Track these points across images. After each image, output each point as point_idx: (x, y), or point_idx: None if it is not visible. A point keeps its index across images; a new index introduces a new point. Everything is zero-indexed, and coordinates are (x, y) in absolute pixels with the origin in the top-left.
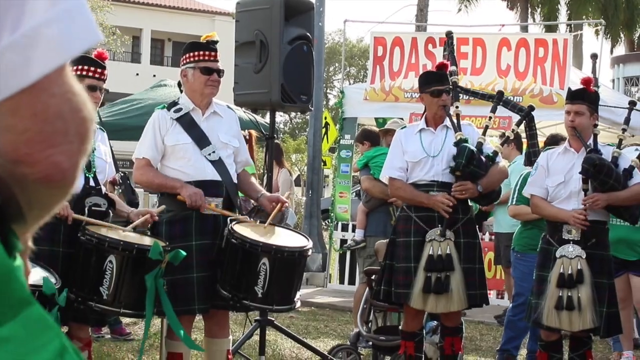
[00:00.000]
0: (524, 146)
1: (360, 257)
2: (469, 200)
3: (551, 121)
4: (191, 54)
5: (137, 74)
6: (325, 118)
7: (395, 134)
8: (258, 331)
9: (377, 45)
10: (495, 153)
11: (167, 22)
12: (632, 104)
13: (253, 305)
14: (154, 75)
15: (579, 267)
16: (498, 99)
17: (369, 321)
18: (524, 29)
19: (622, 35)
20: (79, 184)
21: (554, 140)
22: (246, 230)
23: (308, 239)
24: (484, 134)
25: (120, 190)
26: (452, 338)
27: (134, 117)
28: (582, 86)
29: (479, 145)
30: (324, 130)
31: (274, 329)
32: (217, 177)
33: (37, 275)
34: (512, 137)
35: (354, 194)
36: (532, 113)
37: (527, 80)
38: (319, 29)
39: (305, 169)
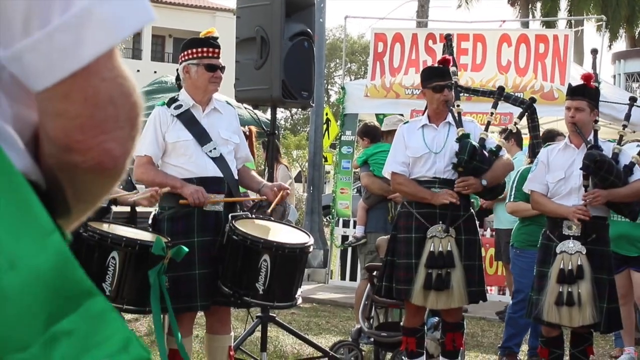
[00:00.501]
0: (525, 142)
1: (362, 253)
2: (470, 196)
3: (552, 117)
4: (194, 50)
5: (138, 71)
6: (326, 114)
7: (398, 129)
8: (259, 327)
9: (378, 41)
10: (499, 147)
11: (168, 18)
12: (633, 100)
13: (254, 301)
14: (155, 72)
15: (579, 263)
16: (499, 94)
17: (370, 317)
18: (525, 25)
19: (623, 31)
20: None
21: (549, 136)
22: (247, 226)
23: (309, 236)
24: (486, 129)
25: (120, 187)
26: (453, 334)
27: None
28: (582, 82)
29: (482, 140)
30: (325, 126)
31: (275, 325)
32: (219, 174)
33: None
34: (514, 131)
35: (355, 190)
36: (534, 105)
37: (528, 76)
38: (319, 25)
39: (306, 165)
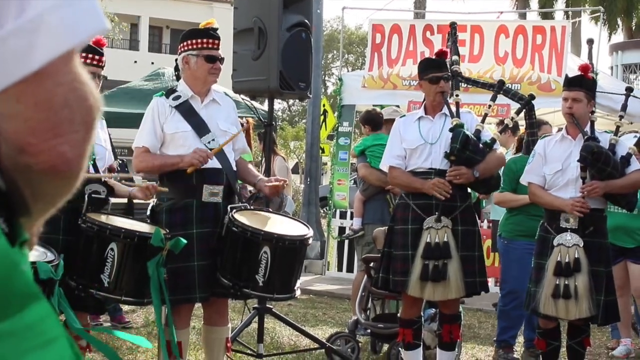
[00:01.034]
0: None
1: (359, 244)
2: (467, 188)
3: (549, 108)
4: (194, 41)
5: (135, 62)
6: (324, 105)
7: (395, 122)
8: (256, 319)
9: (376, 32)
10: (493, 140)
11: (166, 9)
12: (629, 90)
13: (254, 293)
14: (152, 63)
15: (576, 256)
16: (499, 87)
17: (367, 309)
18: (522, 16)
19: (620, 22)
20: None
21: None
22: (247, 218)
23: (308, 227)
24: (482, 121)
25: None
26: (450, 325)
27: (130, 105)
28: (579, 73)
29: (477, 132)
30: (322, 117)
31: (272, 316)
32: (217, 165)
33: (33, 255)
34: (510, 125)
35: (352, 181)
36: (532, 102)
37: (525, 67)
38: (317, 16)
39: (303, 157)
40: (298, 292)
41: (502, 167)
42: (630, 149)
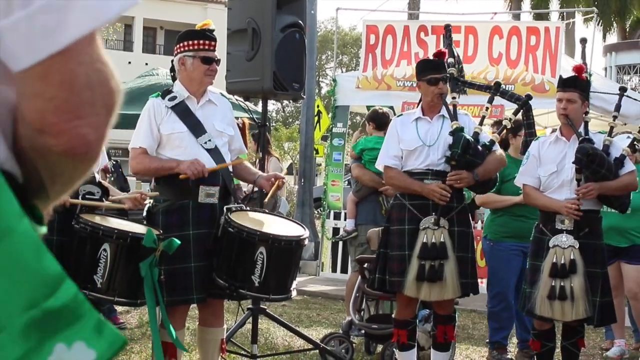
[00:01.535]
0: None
1: (352, 245)
2: (463, 189)
3: (543, 109)
4: (190, 42)
5: (129, 62)
6: (318, 106)
7: (391, 122)
8: (250, 320)
9: (370, 33)
10: (492, 142)
11: (160, 10)
12: (623, 90)
13: (250, 294)
14: (146, 64)
15: (572, 257)
16: (495, 89)
17: (361, 310)
18: (516, 17)
19: (614, 23)
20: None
21: (518, 125)
22: (243, 219)
23: (304, 228)
24: (480, 123)
25: (112, 179)
26: (444, 326)
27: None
28: (573, 74)
29: (476, 135)
30: (316, 118)
31: (266, 317)
32: (214, 165)
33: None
34: (509, 127)
35: (346, 182)
36: (529, 103)
37: (519, 68)
38: (311, 17)
39: (297, 158)
40: (294, 293)
41: (503, 167)
42: (623, 151)
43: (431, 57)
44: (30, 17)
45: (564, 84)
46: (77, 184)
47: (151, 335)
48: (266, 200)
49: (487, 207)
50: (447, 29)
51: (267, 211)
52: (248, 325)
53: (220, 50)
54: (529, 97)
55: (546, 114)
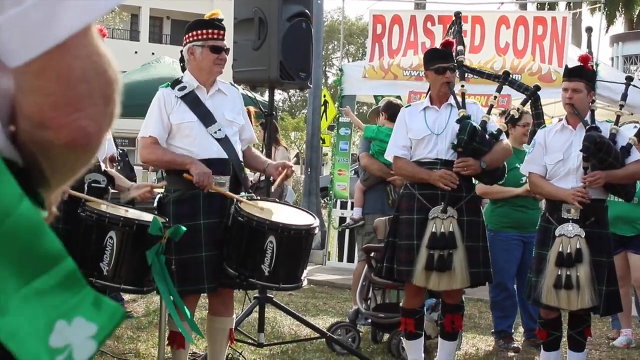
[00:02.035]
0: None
1: (359, 234)
2: (472, 179)
3: (550, 99)
4: (199, 32)
5: (136, 52)
6: (324, 96)
7: (400, 112)
8: (257, 308)
9: (376, 23)
10: (500, 131)
11: (166, 0)
12: (629, 79)
13: (260, 283)
14: (153, 53)
15: (578, 246)
16: (504, 79)
17: (368, 298)
18: (523, 7)
19: (620, 14)
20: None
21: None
22: (253, 208)
23: (314, 217)
24: (488, 112)
25: (118, 167)
26: (452, 315)
27: (129, 94)
28: (579, 63)
29: (483, 123)
30: (322, 108)
31: (273, 306)
32: (224, 155)
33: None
34: (516, 117)
35: (353, 171)
36: (537, 93)
37: (526, 58)
38: (317, 7)
39: (304, 147)
40: (305, 282)
41: (509, 157)
42: (630, 139)
43: (439, 47)
44: (24, 13)
45: (570, 74)
46: (79, 173)
47: (157, 323)
48: (273, 188)
49: (487, 197)
50: (457, 17)
51: (277, 200)
52: (255, 314)
53: (227, 40)
54: (538, 88)
55: (553, 104)
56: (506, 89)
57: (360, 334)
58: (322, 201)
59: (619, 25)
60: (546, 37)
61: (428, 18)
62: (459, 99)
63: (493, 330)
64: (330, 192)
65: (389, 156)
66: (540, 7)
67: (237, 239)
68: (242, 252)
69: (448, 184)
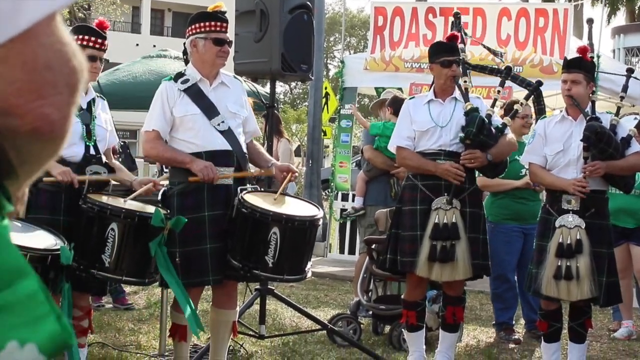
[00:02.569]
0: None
1: (362, 226)
2: (475, 171)
3: (551, 91)
4: (202, 24)
5: (137, 44)
6: (326, 88)
7: (404, 104)
8: (258, 300)
9: (378, 15)
10: (504, 125)
11: None
12: (630, 71)
13: (264, 275)
14: (154, 46)
15: (578, 237)
16: (506, 74)
17: (369, 290)
18: None
19: (623, 5)
20: (79, 151)
21: (510, 106)
22: (256, 199)
23: (319, 208)
24: (492, 106)
25: (119, 159)
26: (454, 307)
27: (131, 87)
28: (578, 55)
29: (488, 117)
30: (324, 100)
31: (274, 298)
32: (228, 147)
33: (49, 240)
34: (520, 111)
35: (354, 163)
36: (540, 88)
37: (527, 50)
38: None
39: (305, 139)
40: (309, 274)
41: (513, 151)
42: (630, 131)
43: (445, 41)
44: None
45: (569, 65)
46: (46, 163)
47: (158, 316)
48: (275, 196)
49: (487, 190)
50: (457, 17)
51: (282, 193)
52: (256, 306)
53: (229, 32)
54: (540, 83)
55: (555, 96)
56: (508, 82)
57: (362, 325)
58: (324, 193)
59: (621, 17)
60: (548, 29)
61: (429, 10)
62: (465, 92)
63: (494, 322)
64: (332, 184)
65: (392, 147)
66: None
67: (240, 230)
68: (245, 243)
69: (456, 178)
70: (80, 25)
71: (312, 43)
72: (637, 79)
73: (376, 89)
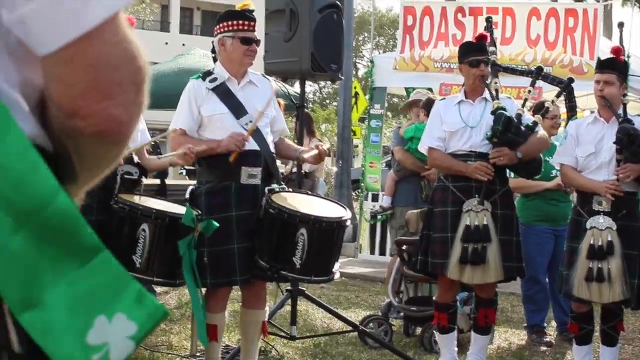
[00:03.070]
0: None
1: (392, 227)
2: (506, 172)
3: (581, 91)
4: (230, 23)
5: (166, 43)
6: (355, 88)
7: (434, 104)
8: (289, 301)
9: (407, 14)
10: (535, 123)
11: None
12: None
13: (291, 276)
14: (183, 44)
15: (609, 239)
16: (537, 74)
17: (400, 292)
18: None
19: None
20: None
21: (539, 106)
22: (284, 200)
23: (346, 209)
24: (522, 106)
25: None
26: (486, 310)
27: (161, 86)
28: (611, 55)
29: (518, 116)
30: (353, 100)
31: (305, 299)
32: (256, 147)
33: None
34: (551, 109)
35: (384, 164)
36: (571, 85)
37: (557, 50)
38: None
39: (335, 139)
40: (337, 275)
41: (546, 148)
42: None
43: (474, 41)
44: (53, 1)
45: (602, 66)
46: (107, 169)
47: (190, 316)
48: (307, 156)
49: (519, 192)
50: (488, 22)
51: (309, 192)
52: (287, 307)
53: (259, 31)
54: (571, 80)
55: (585, 96)
56: (538, 82)
57: (393, 327)
58: (354, 194)
59: None
60: (577, 29)
61: (459, 9)
62: (494, 93)
63: (525, 324)
64: (362, 184)
65: (422, 148)
66: None
67: (268, 231)
68: (273, 244)
69: (484, 176)
70: None
71: (342, 42)
72: None
73: (406, 89)
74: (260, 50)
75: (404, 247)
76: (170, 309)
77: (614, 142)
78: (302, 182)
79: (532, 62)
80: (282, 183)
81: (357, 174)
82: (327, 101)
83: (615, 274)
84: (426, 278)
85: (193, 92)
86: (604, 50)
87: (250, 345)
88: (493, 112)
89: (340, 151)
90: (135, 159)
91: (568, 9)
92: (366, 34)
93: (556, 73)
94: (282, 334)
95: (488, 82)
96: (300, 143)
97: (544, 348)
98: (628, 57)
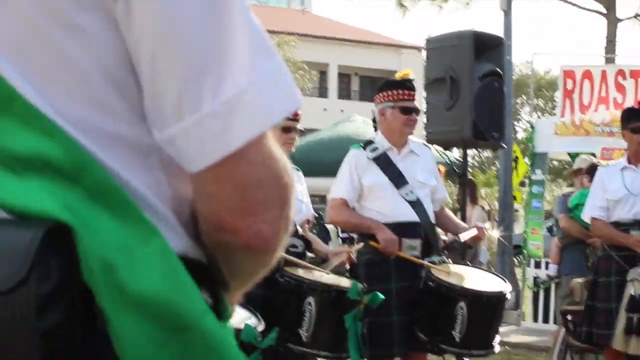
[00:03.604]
0: None
1: (558, 296)
2: None
3: None
4: (390, 93)
5: (325, 109)
6: (514, 152)
7: (597, 172)
8: None
9: (567, 78)
10: None
11: (354, 56)
12: None
13: (450, 349)
14: (342, 110)
15: None
16: None
17: None
18: None
19: None
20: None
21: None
22: (443, 273)
23: (505, 281)
24: None
25: (314, 231)
26: None
27: (321, 153)
28: None
29: None
30: (513, 164)
31: None
32: (416, 219)
33: (238, 317)
34: None
35: (546, 230)
36: None
37: None
38: (507, 64)
39: (495, 203)
40: (497, 348)
41: None
42: None
43: (636, 106)
44: (200, 122)
45: None
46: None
47: None
48: (466, 237)
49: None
50: None
51: (469, 263)
52: None
53: (418, 99)
54: None
55: None
56: None
57: None
58: (515, 260)
59: None
60: None
61: (619, 72)
62: None
63: None
64: (524, 250)
65: (586, 217)
66: None
67: (427, 303)
68: (432, 317)
69: None
70: None
71: (504, 110)
72: None
73: (569, 153)
74: (421, 119)
75: (568, 316)
76: None
77: None
78: (464, 250)
79: None
80: (442, 254)
81: (518, 239)
82: (486, 165)
83: None
84: (592, 349)
85: (354, 162)
86: None
87: None
88: None
89: (502, 217)
90: (300, 230)
91: None
92: (523, 96)
93: None
94: None
95: None
96: (463, 211)
97: None
98: None
